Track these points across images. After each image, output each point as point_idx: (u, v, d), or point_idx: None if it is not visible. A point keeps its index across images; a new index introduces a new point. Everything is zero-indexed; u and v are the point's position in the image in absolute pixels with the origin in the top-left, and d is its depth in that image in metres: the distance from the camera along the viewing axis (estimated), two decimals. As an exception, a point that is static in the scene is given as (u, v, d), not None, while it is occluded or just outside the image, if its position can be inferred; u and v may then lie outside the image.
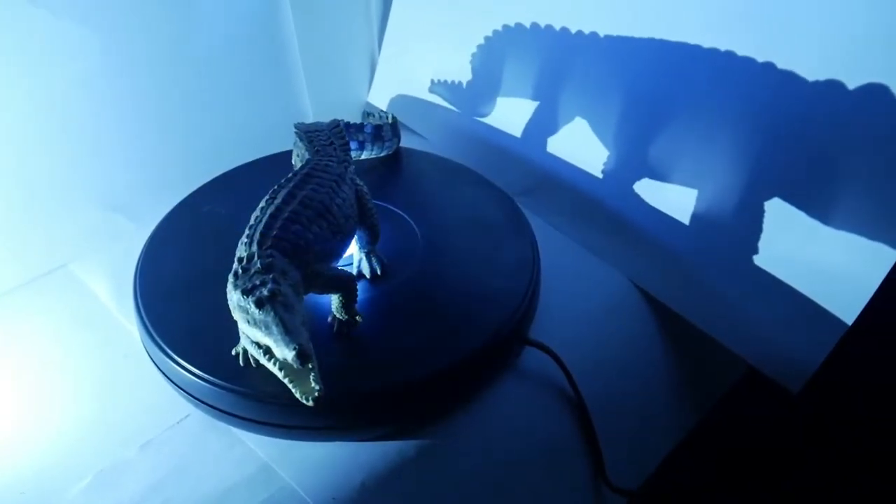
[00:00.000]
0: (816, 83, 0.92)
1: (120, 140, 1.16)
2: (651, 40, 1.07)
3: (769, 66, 0.95)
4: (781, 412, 1.13)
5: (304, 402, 0.70)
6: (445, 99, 1.37)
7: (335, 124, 1.02)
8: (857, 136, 0.91)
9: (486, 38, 1.28)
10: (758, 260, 1.02)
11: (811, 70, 0.92)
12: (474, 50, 1.30)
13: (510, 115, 1.27)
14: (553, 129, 1.23)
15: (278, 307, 0.70)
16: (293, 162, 1.04)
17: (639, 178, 1.13)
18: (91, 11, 1.06)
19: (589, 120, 1.18)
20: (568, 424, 0.95)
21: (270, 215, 0.81)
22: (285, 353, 0.68)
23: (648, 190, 1.12)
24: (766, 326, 1.02)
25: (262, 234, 0.79)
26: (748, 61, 0.97)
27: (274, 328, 0.69)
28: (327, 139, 0.99)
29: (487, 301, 0.94)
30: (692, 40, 1.02)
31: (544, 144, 1.24)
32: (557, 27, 1.17)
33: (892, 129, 0.88)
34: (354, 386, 0.83)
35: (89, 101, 1.11)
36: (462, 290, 0.96)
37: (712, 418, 1.11)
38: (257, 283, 0.72)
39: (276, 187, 0.87)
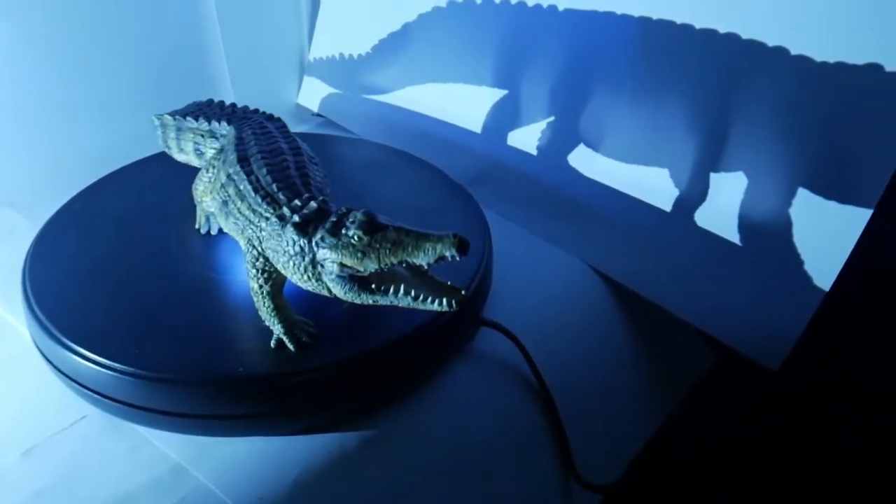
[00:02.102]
0: (768, 45, 0.87)
1: (19, 133, 1.04)
2: (588, 19, 1.01)
3: (720, 34, 0.90)
4: (761, 396, 1.04)
5: (452, 307, 0.62)
6: (379, 95, 1.29)
7: (208, 102, 0.93)
8: (813, 101, 0.86)
9: (417, 30, 1.21)
10: (721, 233, 0.95)
11: (767, 33, 0.87)
12: (405, 44, 1.23)
13: (448, 106, 1.20)
14: (494, 118, 1.16)
15: (387, 220, 0.64)
16: (169, 147, 0.93)
17: (588, 159, 1.06)
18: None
19: (527, 104, 1.11)
20: (530, 413, 0.84)
21: (269, 171, 0.73)
22: (442, 249, 0.60)
23: (599, 170, 1.04)
24: (736, 302, 0.94)
25: (282, 187, 0.71)
26: (693, 31, 0.92)
27: (405, 238, 0.62)
28: (222, 110, 0.90)
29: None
30: (629, 12, 0.97)
31: (486, 133, 1.16)
32: (492, 9, 1.11)
33: (851, 94, 0.83)
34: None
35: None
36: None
37: (688, 406, 1.01)
38: (334, 220, 0.66)
39: (234, 154, 0.77)
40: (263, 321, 0.73)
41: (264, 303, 0.72)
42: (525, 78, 1.11)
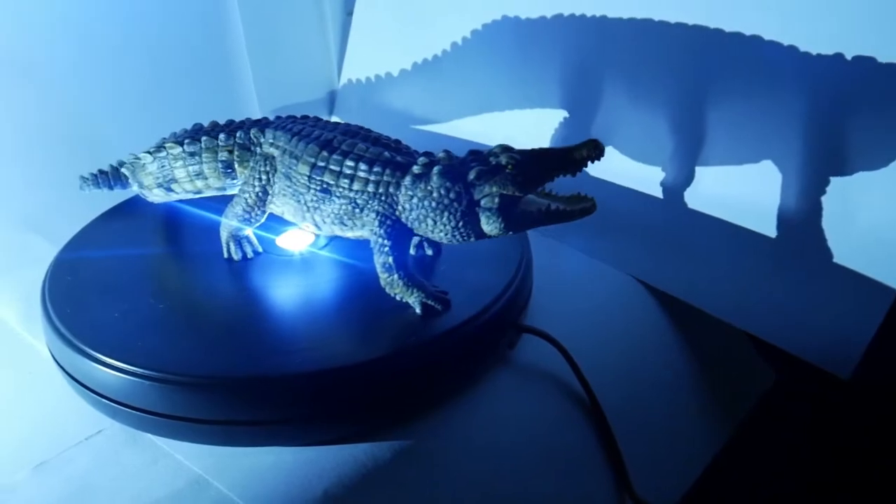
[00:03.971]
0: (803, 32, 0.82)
1: (40, 159, 1.02)
2: (619, 30, 0.98)
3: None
4: (831, 413, 0.94)
5: (594, 209, 0.69)
6: (409, 124, 1.27)
7: (196, 127, 0.88)
8: (863, 80, 0.80)
9: (446, 59, 1.19)
10: (774, 232, 0.88)
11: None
12: (434, 73, 1.21)
13: (482, 128, 1.17)
14: (527, 135, 1.11)
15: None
16: (174, 181, 0.87)
17: (625, 169, 1.00)
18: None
19: (559, 118, 1.08)
20: (578, 427, 0.78)
21: (367, 147, 0.75)
22: (587, 152, 0.67)
23: (636, 179, 0.99)
24: (797, 306, 0.87)
25: (393, 154, 0.75)
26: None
27: (550, 155, 0.69)
28: (229, 127, 0.86)
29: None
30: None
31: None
32: (521, 31, 1.09)
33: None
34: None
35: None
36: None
37: (752, 425, 0.92)
38: (473, 160, 0.71)
39: (309, 146, 0.76)
40: (397, 296, 0.73)
41: (399, 274, 0.72)
42: (555, 92, 1.07)
